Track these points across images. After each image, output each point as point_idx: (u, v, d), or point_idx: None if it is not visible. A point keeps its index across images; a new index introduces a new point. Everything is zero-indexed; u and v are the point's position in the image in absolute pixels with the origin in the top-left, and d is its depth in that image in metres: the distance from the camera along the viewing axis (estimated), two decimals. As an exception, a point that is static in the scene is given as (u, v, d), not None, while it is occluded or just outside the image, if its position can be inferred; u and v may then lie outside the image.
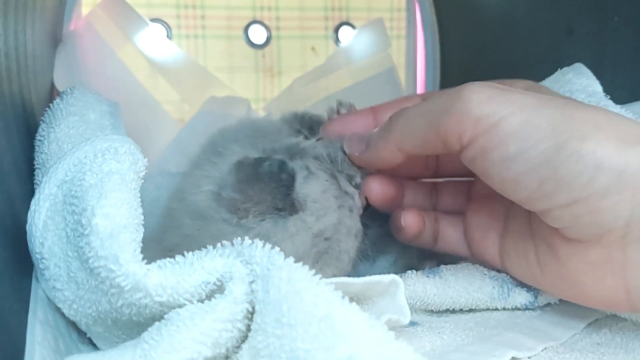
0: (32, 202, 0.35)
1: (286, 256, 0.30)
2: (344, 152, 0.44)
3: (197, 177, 0.42)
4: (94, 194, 0.32)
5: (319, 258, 0.40)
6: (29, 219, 0.35)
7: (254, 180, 0.38)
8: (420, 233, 0.44)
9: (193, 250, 0.33)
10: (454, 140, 0.34)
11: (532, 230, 0.37)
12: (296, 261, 0.34)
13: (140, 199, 0.35)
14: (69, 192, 0.34)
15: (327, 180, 0.42)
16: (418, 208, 0.45)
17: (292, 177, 0.39)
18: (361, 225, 0.44)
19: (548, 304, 0.42)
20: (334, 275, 0.40)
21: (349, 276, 0.41)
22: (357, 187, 0.44)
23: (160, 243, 0.41)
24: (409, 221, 0.43)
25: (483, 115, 0.33)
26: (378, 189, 0.44)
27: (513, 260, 0.40)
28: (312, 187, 0.41)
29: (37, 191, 0.36)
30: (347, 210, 0.42)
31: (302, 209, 0.40)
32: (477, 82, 0.35)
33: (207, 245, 0.33)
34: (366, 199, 0.45)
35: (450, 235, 0.44)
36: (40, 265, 0.34)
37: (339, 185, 0.43)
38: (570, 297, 0.37)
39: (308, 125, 0.50)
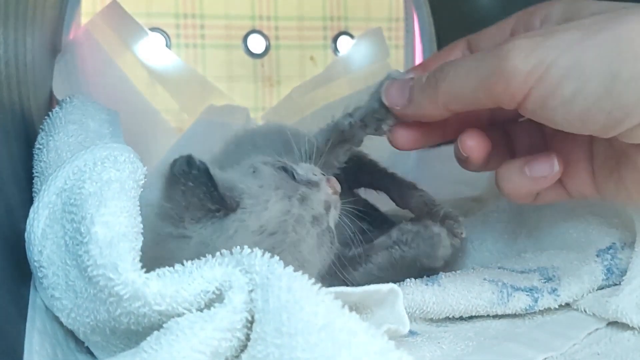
0: (31, 210, 0.35)
1: None
2: (379, 104, 0.42)
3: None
4: (94, 202, 0.32)
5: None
6: (28, 227, 0.35)
7: (173, 183, 0.37)
8: (485, 159, 0.41)
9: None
10: (507, 100, 0.34)
11: (613, 148, 0.38)
12: None
13: (139, 208, 0.35)
14: (68, 201, 0.34)
15: (271, 174, 0.40)
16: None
17: (205, 172, 0.37)
18: (323, 210, 0.41)
19: (548, 309, 0.42)
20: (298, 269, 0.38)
21: (345, 282, 0.41)
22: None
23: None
24: (470, 145, 0.39)
25: (531, 67, 0.33)
26: (475, 145, 0.40)
27: (605, 182, 0.39)
28: (249, 183, 0.40)
29: (36, 199, 0.36)
30: (297, 200, 0.40)
31: (239, 207, 0.38)
32: (516, 37, 0.34)
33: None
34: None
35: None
36: (39, 274, 0.34)
37: (292, 177, 0.41)
38: None
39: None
